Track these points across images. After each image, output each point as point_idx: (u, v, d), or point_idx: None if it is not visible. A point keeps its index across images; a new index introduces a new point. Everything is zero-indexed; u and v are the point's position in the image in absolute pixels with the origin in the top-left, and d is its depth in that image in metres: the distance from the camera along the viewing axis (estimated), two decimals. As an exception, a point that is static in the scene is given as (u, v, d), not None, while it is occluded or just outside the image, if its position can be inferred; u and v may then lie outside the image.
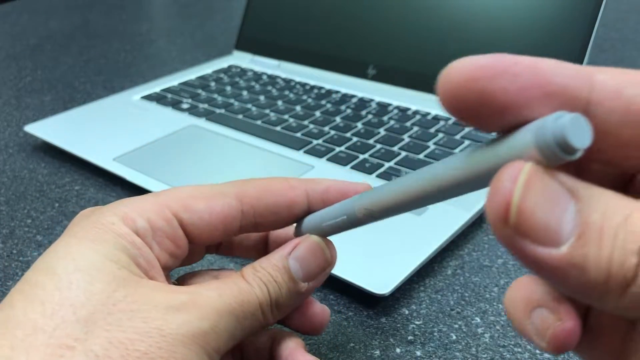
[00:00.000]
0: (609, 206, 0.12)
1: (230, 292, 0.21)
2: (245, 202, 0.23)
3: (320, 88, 0.57)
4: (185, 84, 0.60)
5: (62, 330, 0.18)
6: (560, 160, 0.12)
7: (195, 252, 0.25)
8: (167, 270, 0.23)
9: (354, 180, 0.25)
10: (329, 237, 0.24)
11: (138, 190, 0.42)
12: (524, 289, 0.16)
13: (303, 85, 0.58)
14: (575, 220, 0.12)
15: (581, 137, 0.12)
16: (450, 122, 0.49)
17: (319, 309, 0.25)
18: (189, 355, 0.19)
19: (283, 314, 0.23)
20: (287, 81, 0.59)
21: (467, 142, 0.45)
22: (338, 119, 0.50)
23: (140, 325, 0.18)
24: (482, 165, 0.14)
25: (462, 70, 0.12)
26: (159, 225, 0.21)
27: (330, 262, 0.23)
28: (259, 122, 0.50)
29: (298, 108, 0.53)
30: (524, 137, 0.12)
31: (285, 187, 0.23)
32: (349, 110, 0.52)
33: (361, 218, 0.21)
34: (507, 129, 0.13)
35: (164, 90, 0.58)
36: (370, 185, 0.24)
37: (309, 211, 0.24)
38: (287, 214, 0.23)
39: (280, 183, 0.24)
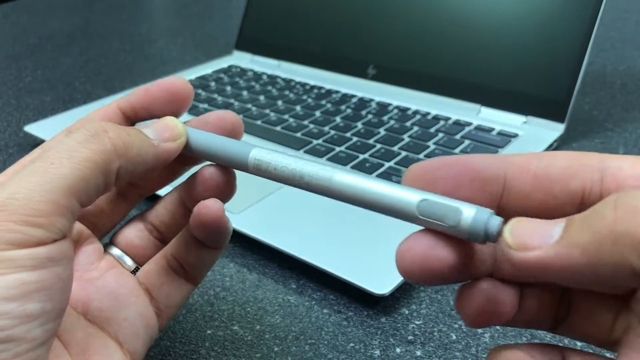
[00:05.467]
0: None
1: None
2: None
3: (320, 88, 0.57)
4: (185, 84, 0.60)
5: None
6: (480, 241, 0.17)
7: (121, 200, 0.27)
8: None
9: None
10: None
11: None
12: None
13: (303, 85, 0.58)
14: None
15: (495, 227, 0.17)
16: (450, 122, 0.49)
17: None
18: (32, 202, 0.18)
19: (142, 164, 0.21)
20: (287, 81, 0.59)
21: (467, 142, 0.45)
22: (338, 119, 0.50)
23: None
24: (406, 205, 0.18)
25: (420, 166, 0.19)
26: None
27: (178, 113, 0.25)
28: (259, 122, 0.51)
29: (298, 108, 0.53)
30: (462, 217, 0.17)
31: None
32: (349, 110, 0.52)
33: (250, 170, 0.22)
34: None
35: (164, 90, 0.58)
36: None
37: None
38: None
39: None
